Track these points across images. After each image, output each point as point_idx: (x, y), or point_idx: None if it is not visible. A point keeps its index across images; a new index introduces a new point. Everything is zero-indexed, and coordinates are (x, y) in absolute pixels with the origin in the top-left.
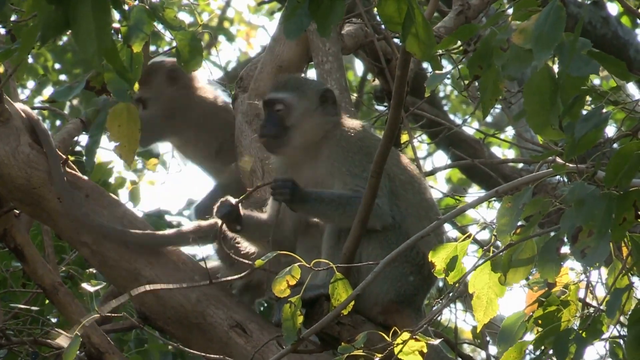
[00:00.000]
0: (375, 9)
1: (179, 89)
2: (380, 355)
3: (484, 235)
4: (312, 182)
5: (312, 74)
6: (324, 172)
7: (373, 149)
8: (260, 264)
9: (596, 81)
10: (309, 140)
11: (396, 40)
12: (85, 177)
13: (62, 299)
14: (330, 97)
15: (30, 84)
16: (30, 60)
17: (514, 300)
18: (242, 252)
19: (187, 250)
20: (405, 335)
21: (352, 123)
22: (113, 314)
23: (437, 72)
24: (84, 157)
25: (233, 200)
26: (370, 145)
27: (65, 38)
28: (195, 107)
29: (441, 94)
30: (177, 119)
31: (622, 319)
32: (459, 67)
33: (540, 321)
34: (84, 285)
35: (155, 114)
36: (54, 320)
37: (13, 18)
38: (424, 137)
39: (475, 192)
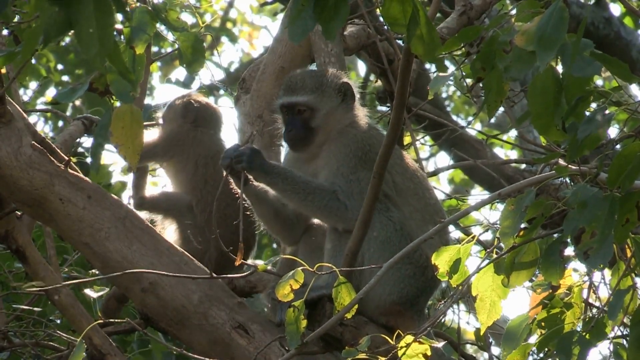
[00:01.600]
0: (379, 10)
1: (185, 124)
2: (383, 359)
3: (487, 235)
4: (311, 172)
5: None
6: (321, 164)
7: (375, 155)
8: (263, 268)
9: (599, 82)
10: (331, 134)
11: (398, 41)
12: (88, 179)
13: (63, 301)
14: (348, 89)
15: (33, 84)
16: (32, 61)
17: (518, 301)
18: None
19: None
20: (409, 338)
21: (364, 123)
22: (116, 320)
23: (440, 74)
24: (89, 159)
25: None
26: (377, 152)
27: (67, 39)
28: (193, 150)
29: (444, 95)
30: (178, 151)
31: (625, 319)
32: (462, 67)
33: (543, 323)
34: (87, 290)
35: (162, 134)
36: (57, 321)
37: (16, 19)
38: (427, 138)
39: (477, 192)
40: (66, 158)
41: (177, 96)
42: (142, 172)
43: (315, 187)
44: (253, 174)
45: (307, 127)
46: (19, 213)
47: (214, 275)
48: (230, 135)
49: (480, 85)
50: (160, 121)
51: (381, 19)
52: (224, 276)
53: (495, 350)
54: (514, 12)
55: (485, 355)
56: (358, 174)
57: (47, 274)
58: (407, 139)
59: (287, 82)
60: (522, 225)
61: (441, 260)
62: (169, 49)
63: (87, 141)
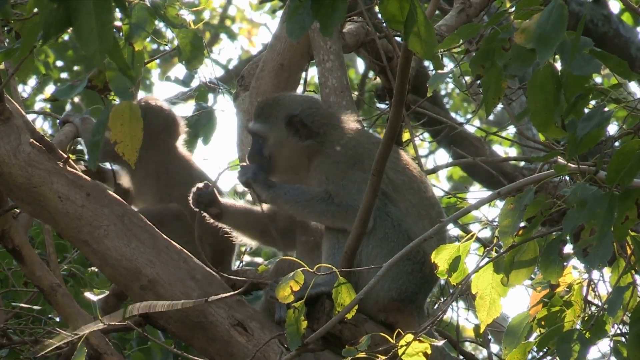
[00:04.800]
0: (377, 8)
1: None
2: (383, 358)
3: (486, 232)
4: None
5: (313, 72)
6: (311, 183)
7: (366, 155)
8: (263, 269)
9: (597, 79)
10: (290, 165)
11: (397, 39)
12: (87, 177)
13: (60, 300)
14: (296, 122)
15: (32, 81)
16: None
17: (517, 299)
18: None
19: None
20: (409, 337)
21: (348, 130)
22: (116, 323)
23: (439, 71)
24: (86, 157)
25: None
26: (362, 152)
27: (66, 36)
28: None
29: (442, 92)
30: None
31: (625, 317)
32: (460, 65)
33: (543, 322)
34: (87, 294)
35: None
36: (56, 319)
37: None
38: (426, 135)
39: (476, 190)
40: (65, 156)
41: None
42: (127, 193)
43: (313, 195)
44: (256, 187)
45: (262, 154)
46: (16, 212)
47: (216, 274)
48: (228, 133)
49: (479, 82)
50: None
51: (380, 16)
52: (215, 298)
53: (495, 347)
54: (513, 9)
55: (484, 352)
56: (350, 176)
57: (43, 273)
58: (406, 136)
59: (255, 108)
60: (522, 224)
61: (440, 258)
62: (168, 46)
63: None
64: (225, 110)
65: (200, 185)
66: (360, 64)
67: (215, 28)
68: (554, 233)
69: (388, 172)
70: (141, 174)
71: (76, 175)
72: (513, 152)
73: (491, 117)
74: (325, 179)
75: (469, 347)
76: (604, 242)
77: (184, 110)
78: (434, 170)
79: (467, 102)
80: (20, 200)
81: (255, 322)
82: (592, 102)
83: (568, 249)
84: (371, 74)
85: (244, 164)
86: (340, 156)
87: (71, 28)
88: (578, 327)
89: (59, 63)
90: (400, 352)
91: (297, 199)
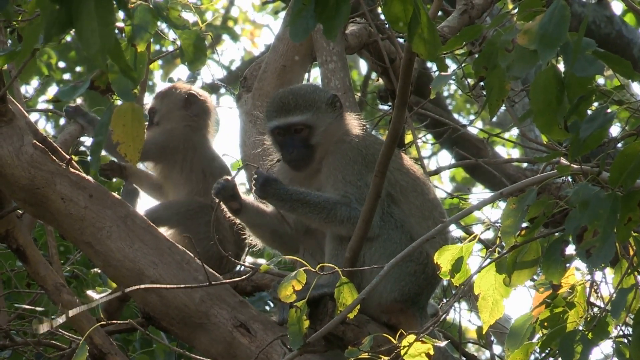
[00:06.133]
0: (380, 9)
1: (184, 119)
2: (386, 358)
3: (489, 234)
4: (315, 188)
5: (316, 73)
6: (324, 179)
7: (376, 157)
8: (265, 268)
9: (600, 80)
10: (322, 155)
11: (400, 40)
12: (90, 178)
13: (64, 300)
14: (337, 101)
15: (34, 82)
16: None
17: (520, 299)
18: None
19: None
20: (411, 338)
21: (357, 129)
22: (117, 322)
23: (442, 73)
24: (89, 157)
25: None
26: (374, 154)
27: (68, 37)
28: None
29: (445, 93)
30: (178, 158)
31: (628, 319)
32: (463, 66)
33: (546, 323)
34: (89, 292)
35: (160, 133)
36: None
37: (20, 18)
38: (429, 136)
39: (479, 191)
40: (67, 157)
41: (170, 85)
42: (133, 195)
43: (335, 203)
44: (268, 202)
45: (307, 145)
46: (20, 212)
47: (217, 275)
48: (230, 134)
49: (482, 84)
50: (155, 111)
51: (383, 17)
52: (220, 282)
53: (497, 349)
54: (515, 11)
55: (487, 353)
56: (365, 179)
57: (47, 273)
58: (408, 138)
59: (277, 103)
60: (524, 225)
61: (443, 259)
62: (170, 48)
63: (88, 140)
64: (232, 108)
65: (228, 177)
66: (363, 66)
67: (217, 29)
68: (557, 234)
69: (394, 174)
70: (186, 170)
71: (79, 176)
72: (516, 153)
73: (494, 119)
74: (342, 177)
75: (471, 348)
76: (606, 243)
77: None
78: (436, 172)
79: (470, 104)
80: (22, 201)
81: (258, 323)
82: (595, 104)
83: (570, 250)
84: (374, 75)
85: (260, 170)
86: (356, 156)
87: (73, 29)
88: (581, 328)
89: (62, 64)
90: (402, 352)
91: (316, 209)
